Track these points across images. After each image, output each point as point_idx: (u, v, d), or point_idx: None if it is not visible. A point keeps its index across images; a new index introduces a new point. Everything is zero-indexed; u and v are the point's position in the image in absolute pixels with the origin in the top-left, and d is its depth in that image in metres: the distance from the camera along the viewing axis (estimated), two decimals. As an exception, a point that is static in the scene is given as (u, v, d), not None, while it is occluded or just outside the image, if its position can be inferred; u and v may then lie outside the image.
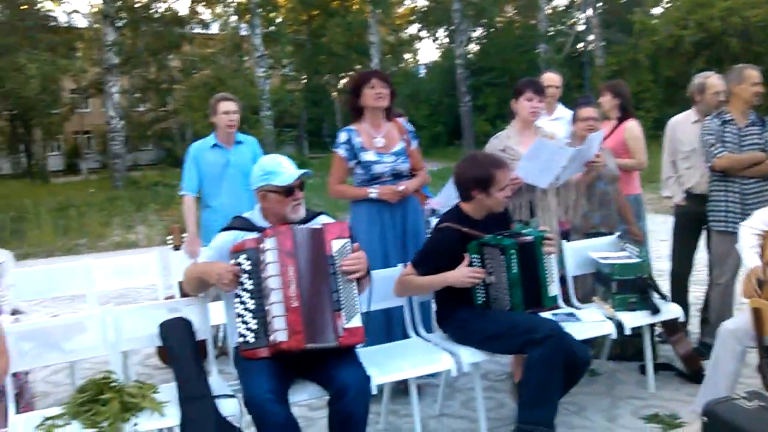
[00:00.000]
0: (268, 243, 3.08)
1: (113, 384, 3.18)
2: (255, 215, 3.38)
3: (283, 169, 3.27)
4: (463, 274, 3.53)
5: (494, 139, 4.59)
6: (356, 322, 3.11)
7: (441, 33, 42.45)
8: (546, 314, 3.79)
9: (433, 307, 4.07)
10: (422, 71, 45.99)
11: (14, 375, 3.32)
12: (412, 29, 42.97)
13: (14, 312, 4.08)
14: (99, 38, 25.87)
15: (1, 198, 16.25)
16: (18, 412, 3.27)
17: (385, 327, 4.23)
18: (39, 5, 29.52)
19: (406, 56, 46.76)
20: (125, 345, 3.50)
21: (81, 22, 31.47)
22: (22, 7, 28.87)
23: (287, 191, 3.25)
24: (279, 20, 32.03)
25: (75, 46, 31.85)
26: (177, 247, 5.16)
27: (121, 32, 26.32)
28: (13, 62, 24.49)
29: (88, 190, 21.44)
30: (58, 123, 34.19)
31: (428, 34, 43.42)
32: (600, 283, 4.43)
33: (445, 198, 4.82)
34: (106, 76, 23.89)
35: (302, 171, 3.27)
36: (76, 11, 31.24)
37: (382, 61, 31.96)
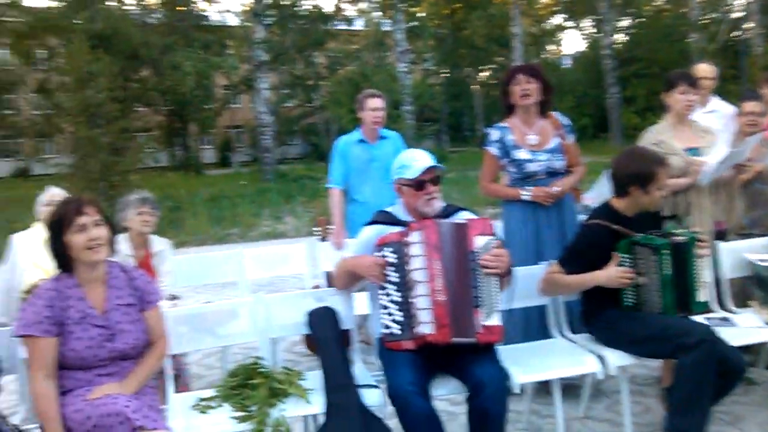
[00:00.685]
0: (414, 236, 3.11)
1: (262, 369, 3.31)
2: (398, 209, 3.41)
3: (415, 162, 3.29)
4: (613, 274, 3.40)
5: (648, 132, 4.38)
6: (495, 320, 3.07)
7: (587, 23, 41.29)
8: (699, 318, 3.59)
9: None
10: (566, 62, 44.90)
11: (173, 357, 3.51)
12: (557, 19, 42.05)
13: (172, 297, 4.34)
14: (249, 36, 26.98)
15: (160, 189, 17.26)
16: (176, 391, 3.46)
17: (524, 326, 4.15)
18: (193, 5, 31.17)
19: (550, 47, 45.81)
20: (274, 332, 3.63)
21: (232, 21, 33.00)
22: (179, 9, 30.64)
23: (418, 185, 3.27)
24: (421, 15, 32.22)
25: (227, 44, 33.38)
26: (323, 239, 5.30)
27: (269, 30, 27.34)
28: (171, 60, 26.03)
29: (240, 182, 22.41)
30: (212, 118, 36.04)
31: (573, 25, 42.35)
32: (757, 287, 4.14)
33: (597, 194, 4.65)
34: (256, 73, 24.88)
35: (428, 164, 3.27)
36: (228, 10, 32.80)
37: (524, 52, 31.41)
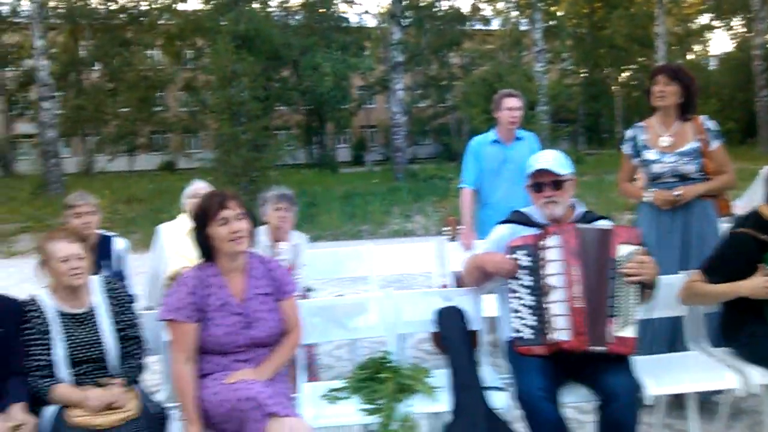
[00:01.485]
0: (551, 240, 3.05)
1: (390, 364, 3.35)
2: (533, 210, 3.36)
3: (536, 163, 3.23)
4: (759, 285, 3.20)
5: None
6: (629, 331, 2.97)
7: (736, 22, 39.07)
8: None
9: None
10: (713, 64, 42.70)
11: (305, 346, 3.62)
12: (704, 19, 40.05)
13: (306, 289, 4.47)
14: (386, 37, 27.36)
15: (297, 185, 17.81)
16: (307, 381, 3.57)
17: (670, 336, 3.98)
18: (334, 7, 31.91)
19: (696, 47, 43.69)
20: (402, 328, 3.66)
21: (370, 23, 33.56)
22: (319, 11, 31.48)
23: (536, 186, 3.21)
24: (560, 14, 31.56)
25: (364, 45, 33.97)
26: (453, 239, 5.29)
27: (406, 31, 27.60)
28: (310, 61, 26.77)
29: (372, 180, 22.75)
30: (347, 117, 36.81)
31: (721, 24, 40.19)
32: None
33: (748, 200, 4.40)
34: (391, 74, 25.16)
35: (541, 167, 3.20)
36: (366, 12, 33.35)
37: (668, 53, 30.10)
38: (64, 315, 3.09)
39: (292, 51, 27.97)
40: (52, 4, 32.27)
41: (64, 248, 3.06)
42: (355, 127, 41.75)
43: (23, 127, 37.93)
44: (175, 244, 4.61)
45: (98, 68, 36.03)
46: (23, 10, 30.81)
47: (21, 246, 12.65)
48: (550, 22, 29.66)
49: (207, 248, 3.04)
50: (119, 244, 4.64)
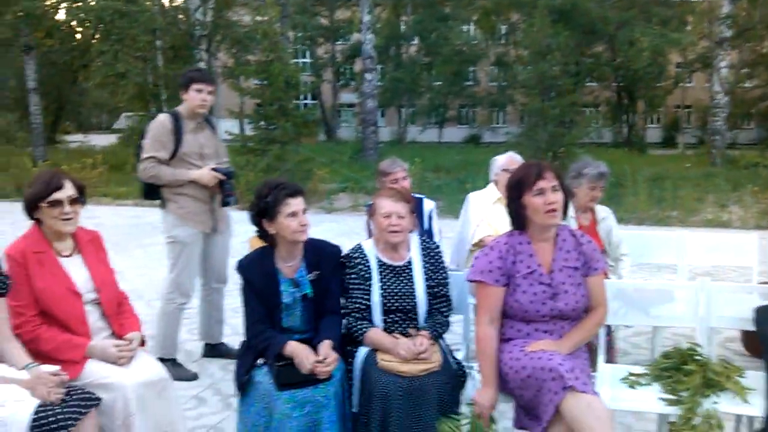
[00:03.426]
0: None
1: (698, 357, 3.18)
2: None
3: None
4: None
5: None
6: None
7: None
8: None
9: None
10: None
11: (606, 328, 3.57)
12: None
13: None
14: (713, 11, 25.25)
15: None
16: (606, 362, 3.52)
17: None
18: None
19: None
20: (714, 321, 3.45)
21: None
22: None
23: None
24: None
25: (686, 19, 31.73)
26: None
27: (737, 4, 25.23)
28: (627, 36, 25.67)
29: (684, 164, 21.39)
30: (661, 96, 34.83)
31: None
32: None
33: None
34: (716, 50, 23.24)
35: None
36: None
37: None
38: (383, 265, 3.37)
39: (608, 25, 27.04)
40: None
41: (388, 205, 3.33)
42: (668, 106, 39.39)
43: (346, 96, 41.36)
44: (482, 212, 4.77)
45: (416, 42, 37.92)
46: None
47: (340, 204, 13.95)
48: None
49: (519, 217, 3.11)
50: (428, 204, 4.92)
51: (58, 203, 3.08)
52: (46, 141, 24.71)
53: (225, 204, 4.76)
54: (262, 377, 3.10)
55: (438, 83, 37.44)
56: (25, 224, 3.19)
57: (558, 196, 3.02)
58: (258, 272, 3.26)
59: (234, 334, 5.45)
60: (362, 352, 3.22)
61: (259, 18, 22.43)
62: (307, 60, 38.78)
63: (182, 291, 4.79)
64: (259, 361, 3.18)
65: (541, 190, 3.00)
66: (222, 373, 4.82)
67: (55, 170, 3.30)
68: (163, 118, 4.75)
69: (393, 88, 35.31)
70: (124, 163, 18.17)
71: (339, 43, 39.45)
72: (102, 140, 33.47)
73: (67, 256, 3.21)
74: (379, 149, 22.40)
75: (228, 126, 16.44)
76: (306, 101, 37.95)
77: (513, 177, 3.16)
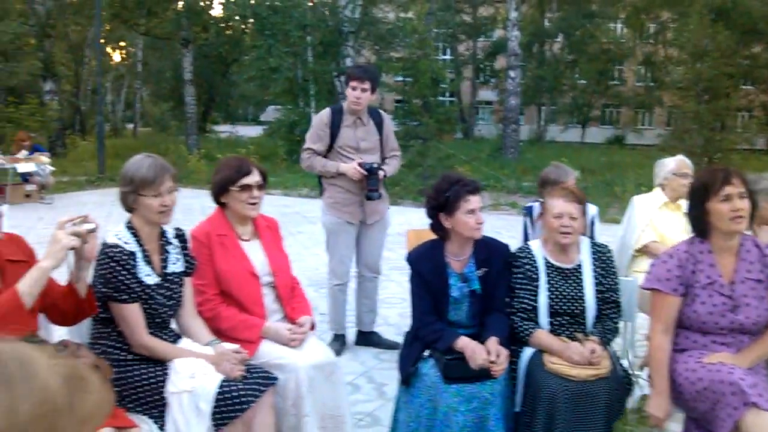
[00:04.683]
0: None
1: None
2: None
3: None
4: None
5: None
6: None
7: None
8: None
9: None
10: None
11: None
12: None
13: None
14: None
15: (756, 173, 16.20)
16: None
17: None
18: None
19: None
20: None
21: None
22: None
23: None
24: None
25: None
26: None
27: None
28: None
29: None
30: None
31: None
32: None
33: None
34: None
35: None
36: None
37: None
38: (551, 267, 3.32)
39: (770, 24, 25.45)
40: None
41: (560, 206, 3.26)
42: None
43: (485, 94, 41.03)
44: (647, 217, 4.62)
45: (560, 40, 37.12)
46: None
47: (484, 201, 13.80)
48: None
49: (702, 224, 2.99)
50: (591, 209, 4.79)
51: (247, 188, 3.25)
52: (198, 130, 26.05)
53: (368, 198, 4.87)
54: (429, 369, 3.13)
55: (582, 82, 36.52)
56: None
57: (745, 203, 2.87)
58: (427, 264, 3.29)
59: (385, 324, 5.56)
60: (527, 352, 3.19)
61: (402, 15, 22.70)
62: (448, 57, 38.78)
63: (336, 273, 5.08)
64: (426, 352, 3.22)
65: (727, 196, 2.86)
66: (375, 361, 4.92)
67: (242, 157, 3.48)
68: (322, 112, 5.02)
69: (534, 85, 34.72)
70: (272, 153, 18.87)
71: (480, 40, 39.21)
72: (248, 131, 34.96)
73: (246, 240, 3.38)
74: (519, 148, 22.13)
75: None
76: (444, 98, 38.02)
77: (697, 182, 3.04)
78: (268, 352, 3.15)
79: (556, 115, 37.47)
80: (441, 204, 3.23)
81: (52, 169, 12.67)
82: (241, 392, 2.77)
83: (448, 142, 19.69)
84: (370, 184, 4.80)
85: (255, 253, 3.37)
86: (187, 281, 3.10)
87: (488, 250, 3.33)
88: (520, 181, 15.25)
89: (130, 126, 39.60)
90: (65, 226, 2.46)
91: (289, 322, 3.34)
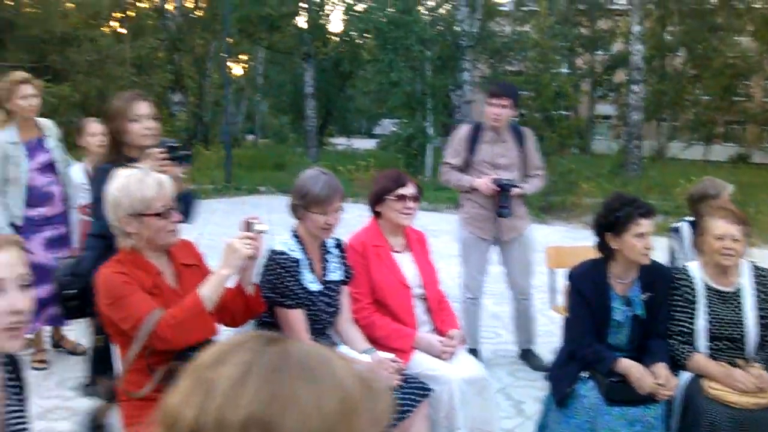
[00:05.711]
0: None
1: None
2: None
3: None
4: None
5: None
6: None
7: None
8: None
9: None
10: None
11: None
12: None
13: None
14: None
15: None
16: None
17: None
18: None
19: None
20: None
21: None
22: None
23: None
24: None
25: None
26: None
27: None
28: None
29: None
30: None
31: None
32: None
33: None
34: None
35: None
36: None
37: None
38: (710, 290, 3.20)
39: None
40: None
41: (722, 227, 3.14)
42: None
43: (602, 108, 40.06)
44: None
45: (681, 54, 35.81)
46: (620, -3, 32.37)
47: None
48: None
49: None
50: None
51: (402, 198, 3.31)
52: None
53: (499, 215, 4.83)
54: (588, 391, 3.07)
55: (705, 97, 35.05)
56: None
57: None
58: (590, 284, 3.23)
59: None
60: (684, 376, 3.09)
61: (518, 28, 22.52)
62: (565, 70, 38.12)
63: (468, 287, 5.10)
64: (583, 373, 3.15)
65: None
66: (510, 379, 4.88)
67: (398, 170, 3.56)
68: (462, 127, 5.08)
69: (655, 101, 33.58)
70: (389, 166, 19.00)
71: (599, 53, 38.33)
72: (363, 144, 35.48)
73: (398, 252, 3.43)
74: (642, 164, 21.45)
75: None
76: (560, 112, 37.36)
77: None
78: (421, 363, 3.18)
79: (678, 131, 36.12)
80: (610, 223, 3.16)
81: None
82: (399, 402, 2.80)
83: (566, 157, 19.32)
84: (501, 201, 4.79)
85: (407, 264, 3.42)
86: (345, 289, 3.17)
87: (653, 274, 3.23)
88: (645, 199, 14.72)
89: (250, 137, 40.88)
90: (250, 224, 2.56)
91: (437, 334, 3.35)
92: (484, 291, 5.25)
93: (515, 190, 4.81)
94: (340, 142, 36.90)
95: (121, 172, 2.54)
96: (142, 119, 3.27)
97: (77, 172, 4.95)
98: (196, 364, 0.87)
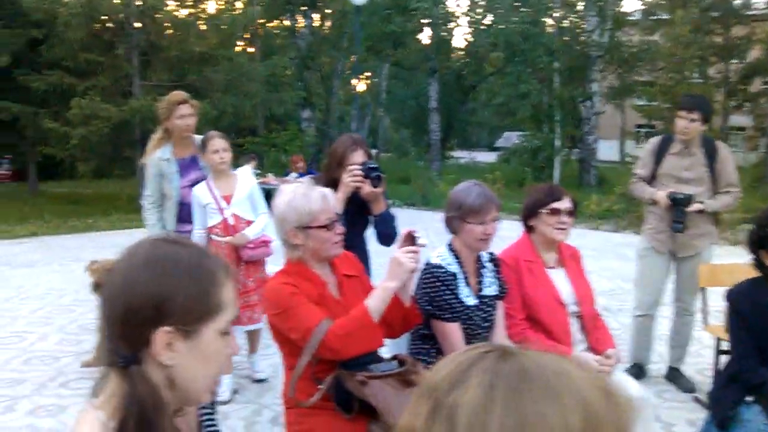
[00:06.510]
0: None
1: None
2: None
3: None
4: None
5: None
6: None
7: None
8: None
9: None
10: None
11: None
12: None
13: None
14: None
15: None
16: None
17: None
18: None
19: None
20: None
21: None
22: None
23: None
24: None
25: None
26: None
27: None
28: None
29: None
30: None
31: None
32: None
33: None
34: None
35: None
36: None
37: None
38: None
39: None
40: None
41: None
42: None
43: (736, 119, 38.03)
44: None
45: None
46: (756, 2, 30.72)
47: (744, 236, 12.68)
48: None
49: None
50: None
51: (556, 212, 3.24)
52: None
53: (672, 229, 4.70)
54: (754, 416, 2.90)
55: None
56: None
57: None
58: (749, 304, 3.05)
59: (661, 361, 5.27)
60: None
61: (647, 38, 21.76)
62: (698, 80, 36.47)
63: (640, 303, 5.05)
64: (748, 398, 2.98)
65: None
66: (658, 400, 4.67)
67: (553, 184, 3.50)
68: (653, 139, 5.07)
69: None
70: (515, 179, 18.81)
71: (733, 62, 36.41)
72: (484, 157, 35.25)
73: (552, 268, 3.36)
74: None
75: (605, 147, 16.13)
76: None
77: None
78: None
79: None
80: (762, 239, 2.99)
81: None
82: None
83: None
84: (676, 215, 4.66)
85: (560, 281, 3.35)
86: (499, 305, 3.14)
87: None
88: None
89: (373, 151, 41.49)
90: (413, 237, 2.58)
91: (592, 353, 3.26)
92: (658, 307, 5.09)
93: (694, 206, 4.66)
94: (462, 155, 36.81)
95: (286, 188, 2.63)
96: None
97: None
98: (431, 386, 0.84)
